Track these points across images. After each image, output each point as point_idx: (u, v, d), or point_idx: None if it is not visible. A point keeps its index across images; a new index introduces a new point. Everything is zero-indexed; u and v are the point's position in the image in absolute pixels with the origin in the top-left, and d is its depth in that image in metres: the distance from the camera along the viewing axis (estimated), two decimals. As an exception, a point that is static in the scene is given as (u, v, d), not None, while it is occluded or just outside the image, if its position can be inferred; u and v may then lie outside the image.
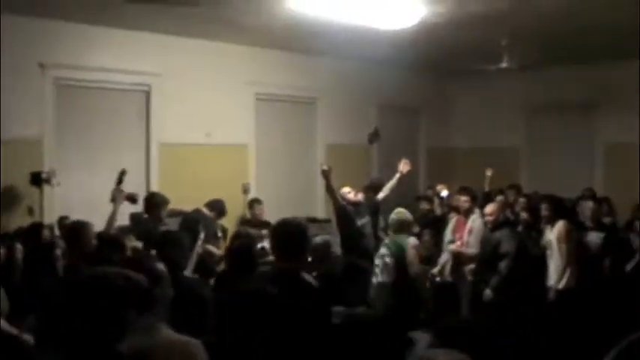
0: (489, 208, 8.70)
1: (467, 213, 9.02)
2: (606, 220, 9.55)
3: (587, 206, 9.20)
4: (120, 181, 7.50)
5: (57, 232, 8.22)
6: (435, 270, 9.10)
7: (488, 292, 8.24)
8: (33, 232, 7.34)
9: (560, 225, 8.34)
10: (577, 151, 12.98)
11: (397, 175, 9.66)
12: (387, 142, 12.92)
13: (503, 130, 13.74)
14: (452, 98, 14.60)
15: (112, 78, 9.57)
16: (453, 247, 8.99)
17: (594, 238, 8.76)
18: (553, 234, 8.35)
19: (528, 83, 13.17)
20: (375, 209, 9.50)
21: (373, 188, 9.83)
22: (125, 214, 8.61)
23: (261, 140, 11.29)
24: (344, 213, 8.97)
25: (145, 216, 8.26)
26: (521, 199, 10.25)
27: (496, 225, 8.55)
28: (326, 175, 8.77)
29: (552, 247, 8.33)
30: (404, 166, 9.69)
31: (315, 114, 12.18)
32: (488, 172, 10.03)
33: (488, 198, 9.54)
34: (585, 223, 9.00)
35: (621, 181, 11.51)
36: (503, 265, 8.22)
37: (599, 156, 12.69)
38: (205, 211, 9.02)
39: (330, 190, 8.92)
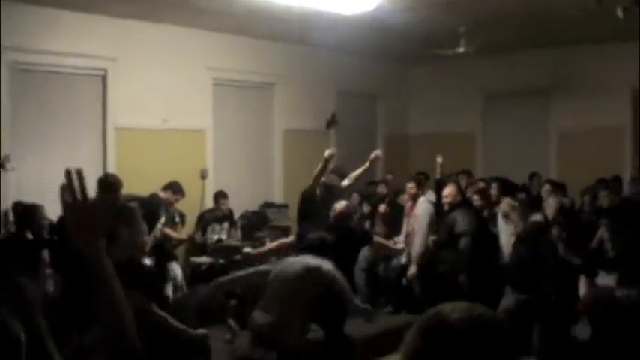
0: (447, 190, 8.95)
1: (414, 199, 9.30)
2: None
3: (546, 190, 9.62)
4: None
5: (11, 217, 8.17)
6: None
7: (462, 278, 8.35)
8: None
9: (504, 201, 8.62)
10: (532, 137, 13.15)
11: (366, 165, 9.57)
12: (345, 128, 13.00)
13: (460, 116, 13.84)
14: (410, 84, 14.68)
15: (68, 62, 9.45)
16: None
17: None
18: (499, 212, 8.64)
19: (485, 69, 13.27)
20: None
21: (339, 175, 9.83)
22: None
23: (218, 125, 11.25)
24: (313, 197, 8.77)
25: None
26: (481, 184, 10.41)
27: (452, 207, 8.77)
28: (327, 161, 8.58)
29: (500, 226, 8.59)
30: (375, 157, 9.65)
31: (272, 99, 12.15)
32: (439, 159, 10.12)
33: (439, 185, 9.66)
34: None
35: (575, 166, 11.70)
36: (463, 242, 8.41)
37: (554, 142, 12.86)
38: (162, 194, 9.01)
39: (319, 175, 8.68)
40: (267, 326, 6.10)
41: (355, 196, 10.48)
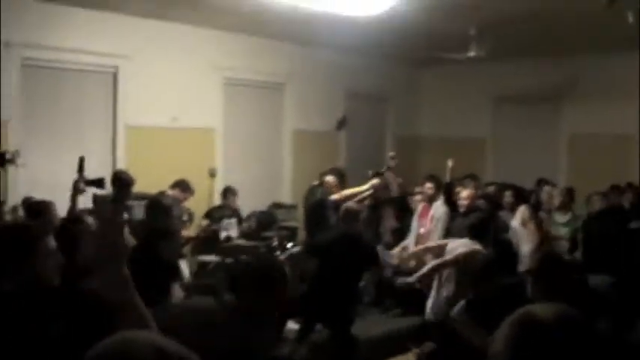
0: (465, 192, 8.73)
1: (431, 200, 9.11)
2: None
3: (546, 191, 9.51)
4: (81, 169, 7.31)
5: (21, 212, 8.18)
6: (397, 250, 9.21)
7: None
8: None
9: (522, 209, 8.49)
10: (542, 141, 13.11)
11: (365, 187, 9.55)
12: (354, 130, 13.00)
13: (469, 119, 13.83)
14: (420, 87, 14.67)
15: (79, 59, 9.48)
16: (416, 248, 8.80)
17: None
18: (516, 220, 8.48)
19: (496, 73, 13.23)
20: None
21: (338, 175, 9.85)
22: (90, 195, 8.59)
23: (228, 124, 11.26)
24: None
25: (110, 197, 8.21)
26: (490, 188, 10.37)
27: (469, 210, 8.52)
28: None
29: (518, 234, 8.43)
30: (376, 184, 9.63)
31: (282, 99, 12.16)
32: (450, 163, 10.04)
33: (449, 188, 9.56)
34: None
35: (585, 171, 11.66)
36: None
37: (563, 147, 12.83)
38: (171, 192, 9.01)
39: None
40: None
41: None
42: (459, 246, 7.42)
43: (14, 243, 3.29)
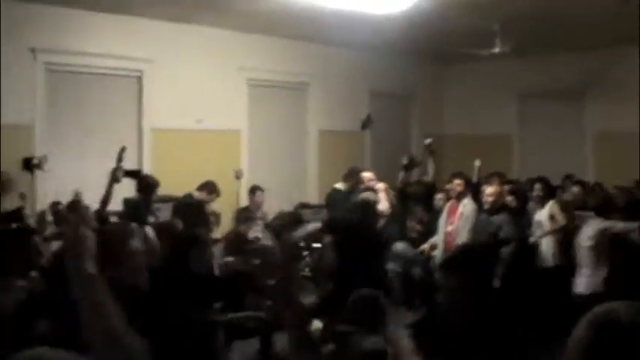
0: (490, 189, 8.45)
1: (459, 197, 8.95)
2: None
3: (572, 192, 9.36)
4: (120, 159, 7.38)
5: (49, 217, 8.24)
6: (425, 246, 9.14)
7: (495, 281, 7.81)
8: (15, 216, 7.40)
9: (551, 204, 8.35)
10: (569, 137, 13.01)
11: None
12: (379, 129, 12.96)
13: (495, 116, 13.75)
14: (444, 84, 14.62)
15: (104, 63, 9.55)
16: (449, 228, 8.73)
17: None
18: (544, 214, 8.35)
19: (521, 69, 13.16)
20: None
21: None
22: (118, 198, 8.66)
23: (253, 126, 11.29)
24: None
25: (137, 199, 8.27)
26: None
27: (495, 208, 8.27)
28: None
29: (543, 227, 8.32)
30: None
31: (307, 100, 12.17)
32: (477, 163, 9.95)
33: (477, 188, 9.45)
34: None
35: (612, 167, 11.54)
36: (506, 251, 7.91)
37: (590, 143, 12.72)
38: (197, 194, 9.02)
39: None
40: None
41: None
42: None
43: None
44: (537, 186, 8.77)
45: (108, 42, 9.48)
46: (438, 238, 9.13)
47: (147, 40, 9.90)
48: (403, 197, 9.91)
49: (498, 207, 8.29)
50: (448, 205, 9.11)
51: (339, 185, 9.70)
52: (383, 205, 8.86)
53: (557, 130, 13.15)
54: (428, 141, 10.48)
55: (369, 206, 8.04)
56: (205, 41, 10.54)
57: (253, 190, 10.20)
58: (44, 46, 8.89)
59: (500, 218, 8.12)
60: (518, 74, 13.30)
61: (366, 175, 9.60)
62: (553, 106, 13.26)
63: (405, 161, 10.14)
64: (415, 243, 9.56)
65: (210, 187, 9.26)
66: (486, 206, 8.36)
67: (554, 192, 9.03)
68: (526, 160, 13.47)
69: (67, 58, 9.20)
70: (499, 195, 8.40)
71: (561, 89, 12.87)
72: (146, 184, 8.05)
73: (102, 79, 9.64)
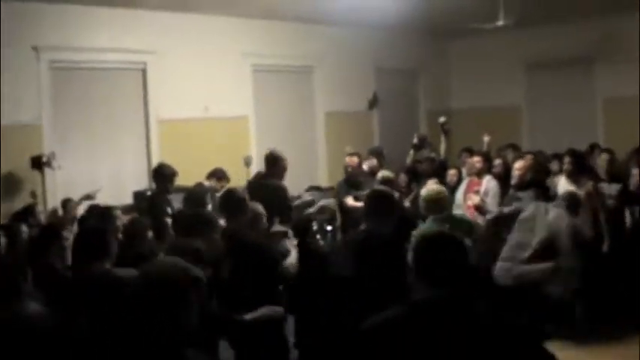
0: (519, 164, 8.14)
1: (480, 174, 8.79)
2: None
3: (603, 158, 9.10)
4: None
5: (61, 213, 8.28)
6: None
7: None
8: (27, 214, 7.45)
9: (588, 185, 7.93)
10: (577, 106, 12.92)
11: None
12: (386, 107, 12.93)
13: (503, 88, 13.67)
14: (450, 59, 14.54)
15: (107, 58, 9.54)
16: (475, 199, 8.34)
17: (611, 190, 8.22)
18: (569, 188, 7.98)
19: (526, 40, 13.05)
20: None
21: (376, 154, 9.79)
22: (129, 192, 8.73)
23: (260, 111, 11.28)
24: None
25: (148, 193, 8.25)
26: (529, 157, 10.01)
27: (522, 184, 7.94)
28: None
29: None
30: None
31: (312, 82, 12.14)
32: (486, 138, 9.79)
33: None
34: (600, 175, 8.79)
35: (622, 134, 11.45)
36: None
37: (599, 110, 12.64)
38: (207, 183, 9.01)
39: None
40: None
41: (402, 177, 10.24)
42: None
43: None
44: (567, 159, 8.30)
45: (110, 36, 9.46)
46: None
47: (149, 31, 9.87)
48: (414, 175, 9.84)
49: (527, 183, 7.96)
50: (467, 181, 8.98)
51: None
52: None
53: (567, 98, 13.03)
54: (442, 119, 10.42)
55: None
56: (207, 29, 10.50)
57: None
58: (46, 43, 8.89)
59: (524, 195, 7.78)
60: (525, 44, 13.18)
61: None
62: (561, 75, 13.16)
63: (415, 140, 10.09)
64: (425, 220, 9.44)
65: (219, 174, 9.23)
66: (514, 181, 8.09)
67: (585, 165, 8.54)
68: (536, 131, 13.39)
69: (70, 54, 9.20)
70: (526, 170, 8.11)
71: (569, 58, 12.76)
72: (163, 175, 7.96)
73: (106, 74, 9.63)
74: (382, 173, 8.63)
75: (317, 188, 11.29)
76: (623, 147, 10.31)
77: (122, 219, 6.42)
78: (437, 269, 2.79)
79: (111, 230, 5.44)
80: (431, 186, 7.08)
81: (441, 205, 6.42)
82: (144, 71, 9.95)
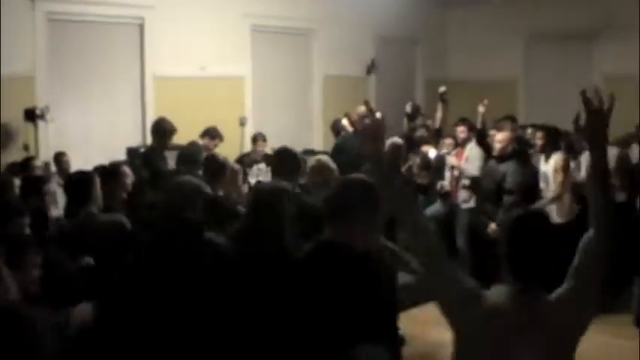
0: (500, 135, 8.04)
1: (463, 143, 8.82)
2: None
3: None
4: None
5: (53, 168, 8.23)
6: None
7: (493, 227, 7.64)
8: (25, 166, 7.41)
9: (557, 157, 7.98)
10: (576, 81, 12.82)
11: None
12: (384, 74, 12.87)
13: (501, 60, 13.57)
14: (450, 28, 14.45)
15: (105, 11, 9.44)
16: (452, 160, 8.71)
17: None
18: (549, 166, 8.01)
19: (527, 11, 12.97)
20: None
21: None
22: (122, 148, 8.66)
23: (257, 72, 11.21)
24: None
25: (142, 150, 8.20)
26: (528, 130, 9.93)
27: (504, 155, 7.88)
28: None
29: (548, 180, 7.98)
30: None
31: (311, 46, 12.07)
32: (481, 109, 9.68)
33: (481, 134, 9.25)
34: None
35: (620, 111, 11.38)
36: (508, 201, 7.55)
37: (599, 86, 12.55)
38: (201, 141, 8.97)
39: None
40: None
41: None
42: None
43: None
44: (539, 134, 8.28)
45: (108, -11, 9.37)
46: (445, 183, 9.03)
47: (148, -15, 9.77)
48: (410, 143, 9.81)
49: (508, 154, 7.90)
50: (454, 152, 8.99)
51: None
52: None
53: (565, 73, 12.96)
54: (442, 89, 10.49)
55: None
56: (208, -14, 10.40)
57: (255, 138, 10.14)
58: (43, -6, 8.79)
59: (506, 166, 7.77)
60: (525, 15, 13.10)
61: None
62: (562, 48, 13.08)
63: (408, 109, 10.05)
64: (421, 189, 9.48)
65: (212, 133, 9.18)
66: (495, 153, 8.04)
67: (558, 141, 8.56)
68: (533, 103, 13.34)
69: (67, 6, 9.09)
70: (507, 141, 7.99)
71: (569, 32, 12.68)
72: (163, 129, 7.88)
73: (103, 27, 9.53)
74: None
75: (311, 152, 11.27)
76: (620, 125, 10.27)
77: (131, 175, 6.31)
78: None
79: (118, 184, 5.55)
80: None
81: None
82: (141, 26, 9.85)
